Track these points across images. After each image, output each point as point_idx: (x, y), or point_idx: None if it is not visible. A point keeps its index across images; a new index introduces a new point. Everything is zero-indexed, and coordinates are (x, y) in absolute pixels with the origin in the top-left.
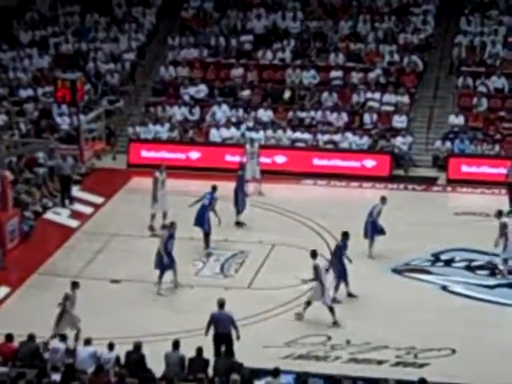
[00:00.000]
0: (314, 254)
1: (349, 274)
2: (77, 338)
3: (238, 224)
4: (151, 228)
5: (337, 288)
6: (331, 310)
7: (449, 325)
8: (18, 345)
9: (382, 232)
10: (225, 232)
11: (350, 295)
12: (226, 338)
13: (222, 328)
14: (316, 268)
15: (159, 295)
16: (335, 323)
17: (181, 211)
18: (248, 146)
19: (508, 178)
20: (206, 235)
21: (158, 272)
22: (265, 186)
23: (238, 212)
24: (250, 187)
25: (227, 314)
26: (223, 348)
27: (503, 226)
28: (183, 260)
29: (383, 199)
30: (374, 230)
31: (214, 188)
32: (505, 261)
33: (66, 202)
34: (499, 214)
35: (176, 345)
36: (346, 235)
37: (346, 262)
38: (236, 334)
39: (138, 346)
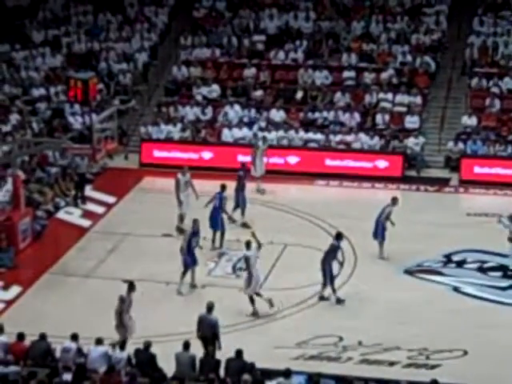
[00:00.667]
0: (247, 245)
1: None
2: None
3: (244, 225)
4: (179, 229)
5: (333, 290)
6: (251, 300)
7: (460, 326)
8: (29, 344)
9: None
10: (237, 232)
11: (322, 298)
12: (208, 341)
13: (205, 331)
14: (247, 259)
15: (179, 294)
16: (255, 314)
17: (193, 211)
18: (261, 144)
19: None
20: (221, 235)
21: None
22: (277, 186)
23: (243, 213)
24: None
25: (211, 319)
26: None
27: None
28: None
29: (394, 200)
30: (383, 231)
31: (223, 187)
32: None
33: (79, 201)
34: None
35: (186, 345)
36: (339, 236)
37: (334, 263)
38: (217, 342)
39: (147, 345)
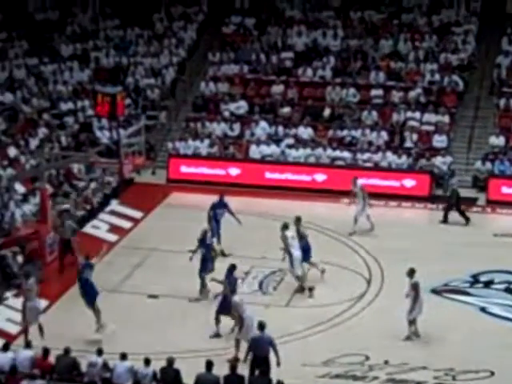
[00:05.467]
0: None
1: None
2: None
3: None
4: None
5: None
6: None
7: (487, 347)
8: (54, 358)
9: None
10: (263, 249)
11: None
12: (264, 361)
13: (260, 351)
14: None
15: None
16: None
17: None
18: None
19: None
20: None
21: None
22: (304, 203)
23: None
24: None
25: (266, 336)
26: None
27: None
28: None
29: (297, 220)
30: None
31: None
32: None
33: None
34: None
35: (209, 365)
36: None
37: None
38: (276, 359)
39: (170, 362)
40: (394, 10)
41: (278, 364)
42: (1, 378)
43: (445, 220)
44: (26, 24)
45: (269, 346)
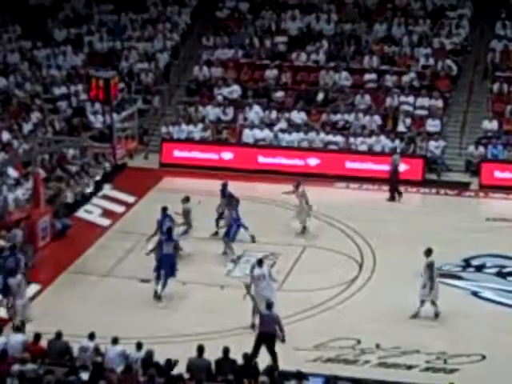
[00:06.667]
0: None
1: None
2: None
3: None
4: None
5: None
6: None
7: (479, 331)
8: (46, 342)
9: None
10: (256, 233)
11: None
12: (270, 338)
13: (267, 327)
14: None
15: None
16: None
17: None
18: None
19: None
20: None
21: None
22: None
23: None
24: None
25: (274, 314)
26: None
27: None
28: (215, 260)
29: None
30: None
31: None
32: None
33: None
34: None
35: (201, 350)
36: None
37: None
38: (281, 335)
39: (149, 355)
40: None
41: (283, 340)
42: None
43: (392, 198)
44: (19, 8)
45: (275, 324)
